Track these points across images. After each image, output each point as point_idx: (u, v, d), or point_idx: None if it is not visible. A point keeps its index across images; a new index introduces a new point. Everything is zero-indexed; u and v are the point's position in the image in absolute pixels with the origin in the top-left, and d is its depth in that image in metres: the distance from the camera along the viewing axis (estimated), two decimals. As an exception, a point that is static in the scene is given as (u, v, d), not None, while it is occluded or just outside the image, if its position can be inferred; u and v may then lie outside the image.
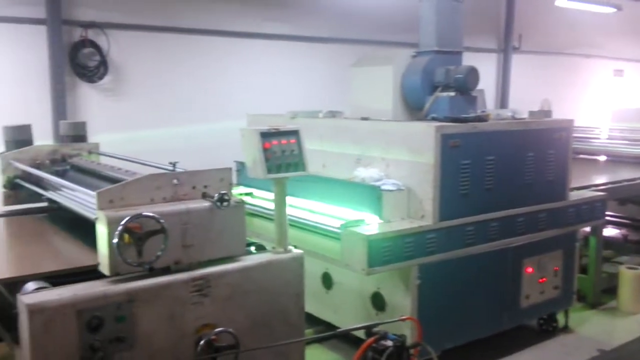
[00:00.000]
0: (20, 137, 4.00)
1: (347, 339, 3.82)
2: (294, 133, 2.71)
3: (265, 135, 2.63)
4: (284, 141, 2.68)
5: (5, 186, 3.79)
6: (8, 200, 3.78)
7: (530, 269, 4.02)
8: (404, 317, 2.62)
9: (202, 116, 6.79)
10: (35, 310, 2.11)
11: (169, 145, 6.04)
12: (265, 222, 3.73)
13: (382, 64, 4.18)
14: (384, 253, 3.15)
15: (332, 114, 4.34)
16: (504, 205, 3.76)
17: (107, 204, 2.38)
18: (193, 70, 6.80)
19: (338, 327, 3.46)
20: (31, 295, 2.21)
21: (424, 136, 3.41)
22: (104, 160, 4.04)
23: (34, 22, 5.88)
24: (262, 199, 4.05)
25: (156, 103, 6.54)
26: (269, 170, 2.61)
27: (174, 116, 6.62)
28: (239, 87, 7.08)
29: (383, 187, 3.39)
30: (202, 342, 2.34)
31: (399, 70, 4.14)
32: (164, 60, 6.63)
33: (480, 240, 3.65)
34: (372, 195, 3.38)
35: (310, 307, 3.29)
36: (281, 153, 2.65)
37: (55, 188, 3.50)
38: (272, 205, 2.85)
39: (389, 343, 2.24)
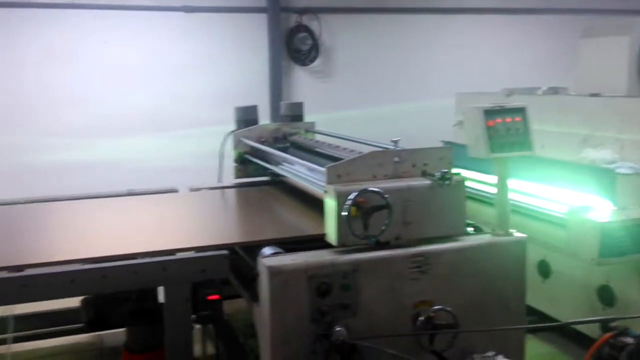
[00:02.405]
0: (248, 116, 4.45)
1: (564, 332, 3.60)
2: (520, 110, 2.60)
3: (489, 113, 2.57)
4: (508, 119, 2.59)
5: (236, 161, 4.24)
6: (238, 174, 4.23)
7: None
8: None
9: (408, 95, 6.86)
10: (274, 273, 2.36)
11: (376, 125, 6.23)
12: (478, 205, 3.66)
13: (617, 33, 3.79)
14: (619, 243, 2.88)
15: (554, 90, 4.05)
16: None
17: (335, 179, 2.55)
18: (399, 49, 6.90)
19: (553, 319, 3.27)
20: (270, 258, 2.47)
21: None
22: (319, 138, 4.33)
23: (256, 11, 6.47)
24: (473, 180, 3.98)
25: (363, 83, 6.78)
26: (492, 149, 2.55)
27: (380, 95, 6.80)
28: (444, 65, 7.00)
29: (618, 170, 3.09)
30: (421, 318, 2.40)
31: (636, 40, 3.71)
32: (371, 40, 6.82)
33: None
34: (605, 178, 3.11)
35: (524, 295, 3.16)
36: (505, 131, 2.57)
37: (277, 162, 3.85)
38: (484, 187, 2.79)
39: (629, 340, 2.06)
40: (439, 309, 2.42)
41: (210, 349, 3.10)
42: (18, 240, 2.86)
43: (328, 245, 2.54)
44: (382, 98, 6.68)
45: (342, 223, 2.40)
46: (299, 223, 3.14)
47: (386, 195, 2.41)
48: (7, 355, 3.37)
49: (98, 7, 5.88)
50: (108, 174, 5.89)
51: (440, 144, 4.20)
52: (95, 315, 3.38)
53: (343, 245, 2.47)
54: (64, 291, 2.41)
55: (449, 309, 2.41)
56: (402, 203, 2.48)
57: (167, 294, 2.54)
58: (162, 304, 3.35)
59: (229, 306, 3.16)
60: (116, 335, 3.89)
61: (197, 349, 2.66)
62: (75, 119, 5.94)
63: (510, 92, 4.08)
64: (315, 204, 3.28)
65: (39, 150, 5.82)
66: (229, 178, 4.18)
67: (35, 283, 2.34)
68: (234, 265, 2.73)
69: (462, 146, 2.77)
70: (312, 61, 6.60)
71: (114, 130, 6.10)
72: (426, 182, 2.53)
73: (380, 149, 2.74)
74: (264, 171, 4.12)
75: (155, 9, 6.28)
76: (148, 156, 6.23)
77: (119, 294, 3.23)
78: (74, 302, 3.58)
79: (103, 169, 6.02)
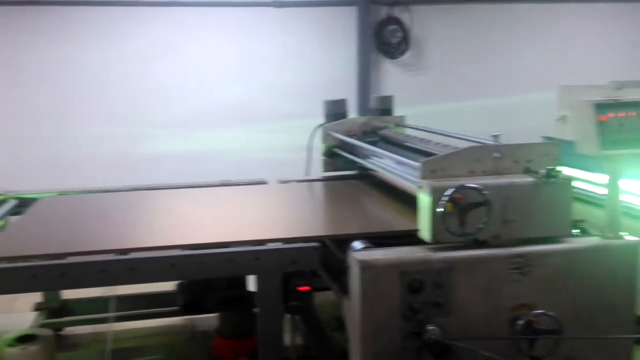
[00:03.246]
0: (337, 110, 4.45)
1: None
2: (636, 105, 2.41)
3: (601, 107, 2.40)
4: (622, 114, 2.41)
5: (324, 154, 4.25)
6: (326, 167, 4.24)
7: None
8: None
9: (503, 89, 6.62)
10: (366, 267, 2.34)
11: (468, 119, 6.05)
12: (581, 205, 3.46)
13: None
14: None
15: (670, 84, 3.75)
16: None
17: (429, 174, 2.48)
18: (493, 40, 6.67)
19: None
20: (361, 252, 2.45)
21: None
22: (409, 132, 4.26)
23: (345, 4, 6.47)
24: (577, 178, 3.76)
25: (455, 76, 6.61)
26: (604, 146, 2.38)
27: (473, 89, 6.60)
28: (543, 57, 6.68)
29: None
30: (521, 322, 2.30)
31: None
32: (464, 32, 6.64)
33: None
34: None
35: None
36: (619, 127, 2.40)
37: (366, 156, 3.83)
38: (589, 186, 2.62)
39: None
40: (540, 314, 2.30)
41: (298, 340, 3.13)
42: (123, 225, 3.02)
43: (420, 242, 2.49)
44: (475, 92, 6.47)
45: (437, 219, 2.34)
46: (388, 218, 3.10)
47: (485, 192, 2.32)
48: (108, 333, 3.58)
49: (199, 4, 6.11)
50: (204, 165, 6.13)
51: (540, 140, 4.01)
52: (190, 299, 3.53)
53: (437, 243, 2.41)
54: (164, 275, 2.52)
55: (552, 313, 2.29)
56: (502, 201, 2.38)
57: (259, 283, 2.59)
58: (251, 292, 3.46)
59: (315, 298, 3.19)
60: (207, 319, 4.05)
61: (285, 339, 2.69)
62: (176, 111, 6.23)
63: (620, 85, 3.81)
64: (405, 199, 3.22)
65: (143, 140, 6.17)
66: (317, 171, 4.21)
67: (139, 266, 2.46)
68: (323, 257, 2.74)
69: (565, 142, 2.62)
70: (401, 54, 6.51)
71: (209, 123, 6.34)
72: (529, 179, 2.41)
73: (479, 144, 2.64)
74: (353, 165, 4.11)
75: (248, 4, 6.43)
76: (239, 148, 6.42)
77: (212, 280, 3.35)
78: (169, 286, 3.76)
79: (199, 159, 6.27)
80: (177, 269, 2.51)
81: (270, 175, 4.27)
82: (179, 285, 3.74)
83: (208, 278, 3.11)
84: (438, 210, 2.33)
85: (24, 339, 2.90)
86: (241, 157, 6.31)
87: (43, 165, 5.88)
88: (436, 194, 2.36)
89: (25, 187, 3.95)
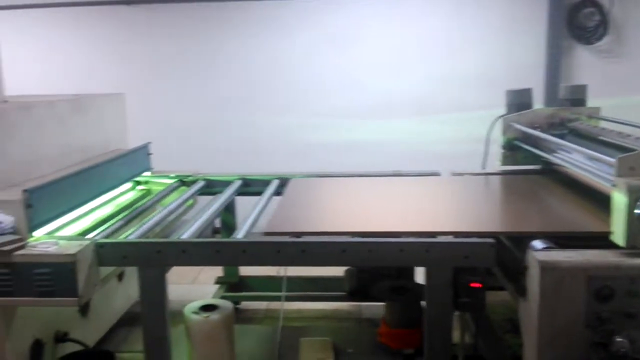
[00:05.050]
0: (521, 100, 4.23)
1: None
2: None
3: None
4: None
5: (504, 147, 4.09)
6: (505, 160, 4.08)
7: None
8: None
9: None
10: (547, 268, 2.23)
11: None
12: None
13: None
14: None
15: None
16: None
17: (627, 171, 2.28)
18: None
19: None
20: (543, 253, 2.33)
21: None
22: (604, 125, 3.91)
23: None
24: None
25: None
26: None
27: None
28: None
29: None
30: None
31: None
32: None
33: None
34: None
35: None
36: None
37: (551, 150, 3.60)
38: None
39: None
40: None
41: (467, 338, 3.08)
42: (298, 210, 3.22)
43: (611, 245, 2.29)
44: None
45: (634, 222, 2.14)
46: (573, 217, 2.89)
47: (697, 194, 2.06)
48: (279, 311, 3.86)
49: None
50: (376, 155, 6.26)
51: None
52: (357, 286, 3.65)
53: (632, 247, 2.20)
54: (334, 260, 2.64)
55: None
56: None
57: (428, 275, 2.59)
58: (419, 284, 3.47)
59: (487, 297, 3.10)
60: (372, 307, 4.16)
61: (453, 336, 2.66)
62: (347, 101, 6.43)
63: None
64: (594, 198, 2.99)
65: (318, 129, 6.47)
66: (494, 164, 4.06)
67: (312, 249, 2.61)
68: (498, 255, 2.65)
69: None
70: (598, 39, 5.96)
71: (380, 112, 6.43)
72: None
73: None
74: (535, 159, 3.90)
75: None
76: (411, 138, 6.42)
77: (380, 269, 3.43)
78: (337, 271, 3.93)
79: (369, 149, 6.41)
80: (346, 255, 2.61)
81: (441, 167, 4.23)
82: (347, 271, 3.89)
83: (377, 266, 3.19)
84: (635, 212, 2.13)
85: (206, 308, 3.22)
86: (414, 149, 6.30)
87: (228, 151, 6.47)
88: (634, 194, 2.16)
89: (212, 170, 4.40)
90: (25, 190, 2.70)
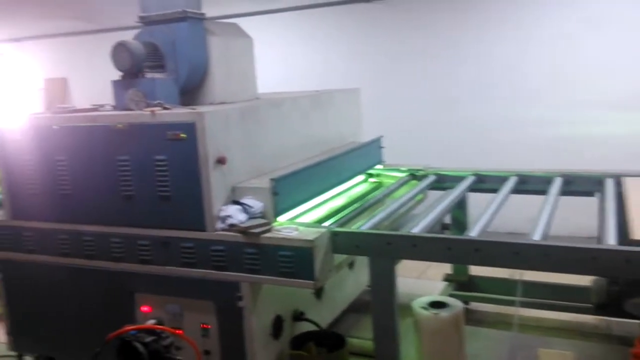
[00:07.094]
0: None
1: None
2: None
3: None
4: None
5: None
6: None
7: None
8: None
9: None
10: None
11: None
12: None
13: None
14: None
15: None
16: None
17: None
18: None
19: None
20: None
21: None
22: None
23: None
24: None
25: None
26: None
27: None
28: None
29: None
30: None
31: None
32: None
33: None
34: None
35: None
36: None
37: None
38: None
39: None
40: None
41: None
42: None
43: None
44: None
45: None
46: None
47: None
48: (513, 316, 3.63)
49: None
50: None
51: None
52: (606, 299, 3.26)
53: None
54: (581, 267, 2.40)
55: None
56: None
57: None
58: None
59: None
60: (625, 324, 3.67)
61: None
62: (597, 91, 5.77)
63: None
64: None
65: (573, 123, 5.92)
66: None
67: (552, 253, 2.41)
68: None
69: None
70: None
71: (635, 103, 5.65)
72: None
73: None
74: None
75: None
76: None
77: (636, 282, 3.01)
78: (580, 279, 3.56)
79: (621, 144, 5.69)
80: (596, 263, 2.35)
81: None
82: (595, 282, 3.50)
83: (633, 279, 2.81)
84: None
85: (435, 305, 3.18)
86: None
87: (460, 146, 6.31)
88: None
89: (443, 164, 4.33)
90: (272, 179, 2.97)
